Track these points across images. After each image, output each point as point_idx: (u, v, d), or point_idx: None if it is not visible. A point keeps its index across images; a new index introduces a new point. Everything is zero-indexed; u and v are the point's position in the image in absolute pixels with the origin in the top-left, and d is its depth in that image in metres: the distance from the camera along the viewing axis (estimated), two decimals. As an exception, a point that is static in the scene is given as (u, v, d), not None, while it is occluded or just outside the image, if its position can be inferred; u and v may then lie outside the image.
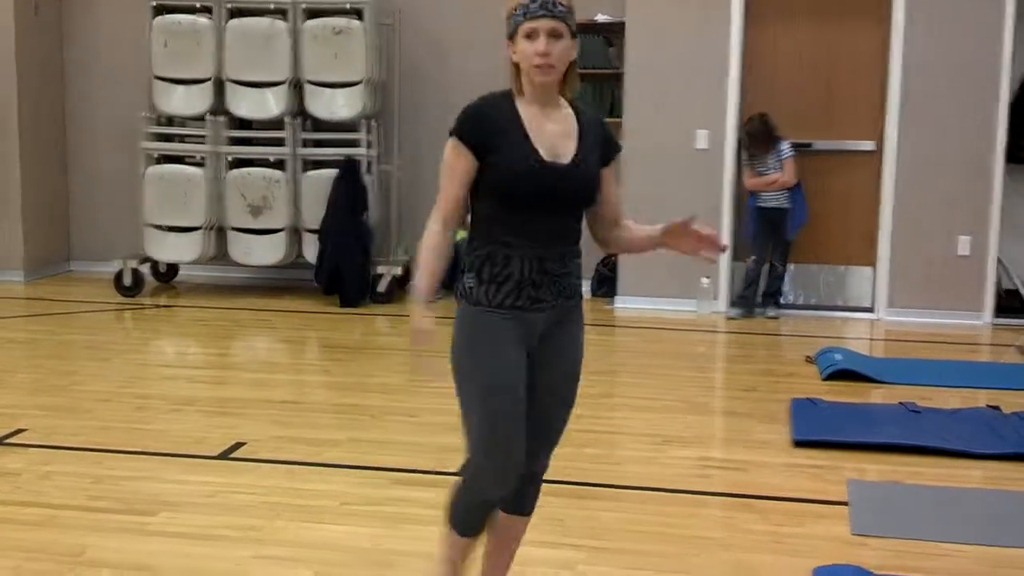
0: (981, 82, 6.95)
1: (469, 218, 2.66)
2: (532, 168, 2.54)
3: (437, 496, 3.86)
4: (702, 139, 7.24)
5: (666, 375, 5.81)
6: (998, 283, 7.21)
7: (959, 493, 4.05)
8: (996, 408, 5.03)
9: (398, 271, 7.69)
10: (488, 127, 2.56)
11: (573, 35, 2.56)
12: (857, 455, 4.39)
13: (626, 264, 7.43)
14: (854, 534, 3.58)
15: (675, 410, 5.11)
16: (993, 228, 7.05)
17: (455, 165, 2.58)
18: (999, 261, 7.19)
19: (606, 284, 7.72)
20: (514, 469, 2.64)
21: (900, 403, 5.08)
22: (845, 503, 3.85)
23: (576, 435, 4.57)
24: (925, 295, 7.14)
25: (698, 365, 6.24)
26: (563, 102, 2.65)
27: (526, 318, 2.60)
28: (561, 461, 4.23)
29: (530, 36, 2.52)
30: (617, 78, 7.56)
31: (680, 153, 7.27)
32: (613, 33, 7.66)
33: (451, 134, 2.58)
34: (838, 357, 5.78)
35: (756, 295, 7.25)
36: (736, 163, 7.33)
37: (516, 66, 2.58)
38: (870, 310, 7.34)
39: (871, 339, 6.93)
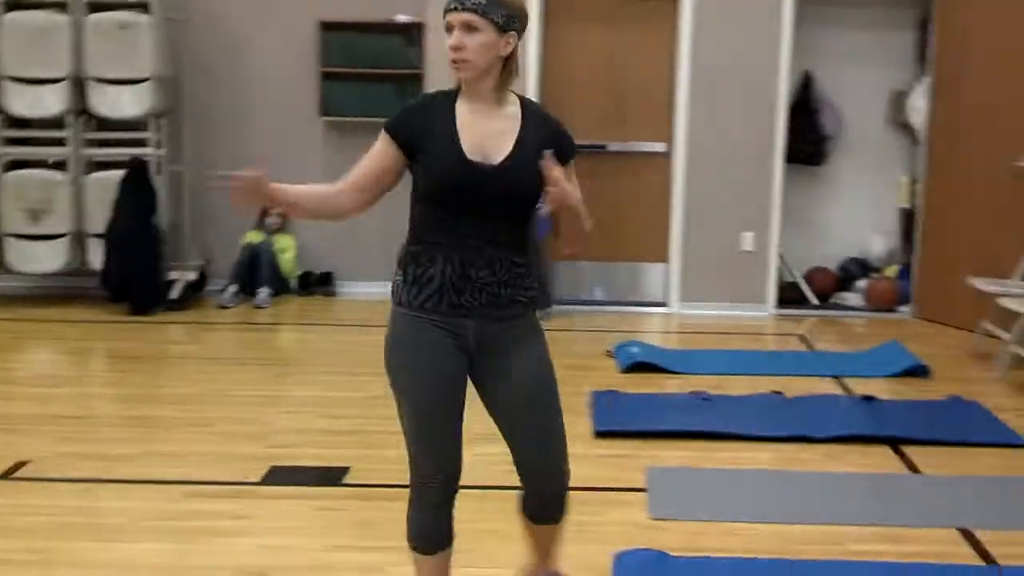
0: (762, 87, 7.29)
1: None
2: (455, 168, 2.47)
3: (236, 507, 3.80)
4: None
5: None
6: (779, 276, 7.60)
7: (748, 475, 4.24)
8: (779, 393, 5.30)
9: (192, 276, 7.45)
10: (416, 123, 2.52)
11: (501, 29, 2.46)
12: (654, 443, 4.53)
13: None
14: (652, 518, 3.70)
15: (480, 408, 5.11)
16: (774, 224, 7.42)
17: (374, 147, 2.55)
18: (780, 256, 7.57)
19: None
20: (444, 474, 2.60)
21: (693, 392, 5.28)
22: (644, 489, 3.97)
23: (377, 437, 4.57)
24: (714, 289, 7.45)
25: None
26: (511, 100, 2.57)
27: (450, 323, 2.53)
28: (364, 464, 4.24)
29: (449, 30, 2.49)
30: (418, 78, 7.55)
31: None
32: (413, 33, 7.65)
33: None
34: (635, 350, 5.96)
35: None
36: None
37: None
38: (664, 304, 7.60)
39: (665, 332, 7.18)
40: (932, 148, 7.24)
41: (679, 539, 3.53)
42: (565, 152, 2.56)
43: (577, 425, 4.78)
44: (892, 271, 7.81)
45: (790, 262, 7.80)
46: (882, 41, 7.85)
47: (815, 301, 7.73)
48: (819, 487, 4.12)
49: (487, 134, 2.51)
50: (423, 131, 2.51)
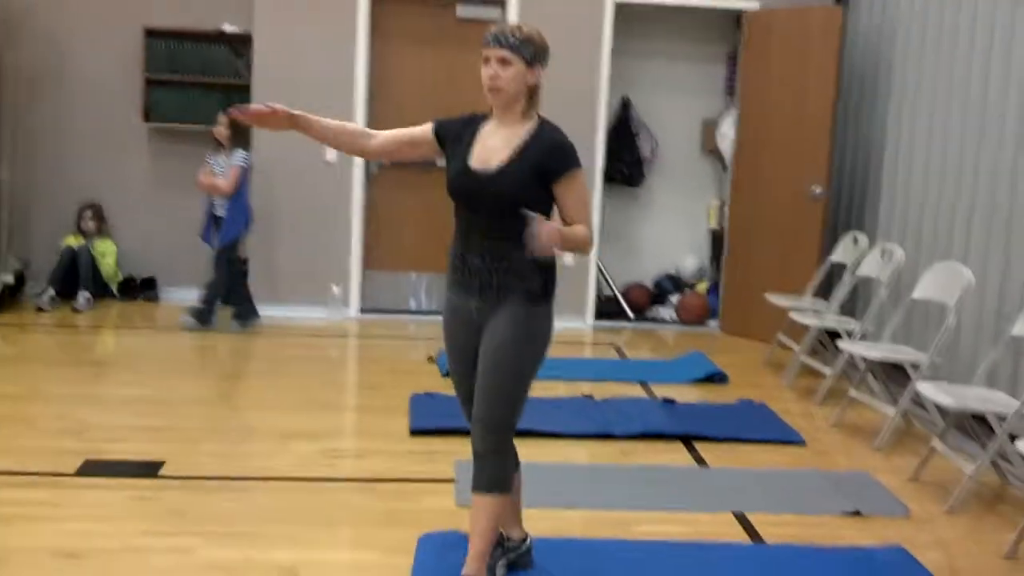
0: (583, 109, 7.63)
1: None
2: (458, 171, 3.02)
3: (53, 496, 3.88)
4: (331, 152, 7.40)
5: (293, 376, 5.93)
6: (599, 290, 7.96)
7: (555, 467, 4.50)
8: (590, 397, 5.62)
9: (8, 279, 7.30)
10: (451, 129, 3.11)
11: (529, 63, 2.97)
12: (465, 440, 4.71)
13: (256, 270, 7.46)
14: (459, 506, 3.92)
15: (301, 408, 5.24)
16: (595, 241, 7.75)
17: (419, 124, 3.15)
18: (600, 270, 7.94)
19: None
20: (473, 421, 3.08)
21: (508, 395, 5.52)
22: (453, 480, 4.18)
23: (192, 432, 4.66)
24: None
25: (326, 368, 6.39)
26: (532, 121, 3.04)
27: (463, 301, 3.06)
28: (180, 458, 4.33)
29: (486, 62, 2.98)
30: (245, 88, 7.60)
31: (311, 166, 7.42)
32: (240, 44, 7.70)
33: None
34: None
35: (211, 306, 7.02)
36: (365, 174, 7.58)
37: None
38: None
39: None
40: (737, 174, 7.74)
41: (483, 523, 3.73)
42: (553, 165, 2.98)
43: (396, 424, 4.99)
44: (703, 287, 8.28)
45: (609, 277, 8.17)
46: (695, 73, 8.34)
47: (631, 314, 8.12)
48: (617, 478, 4.43)
49: (494, 146, 3.01)
50: (455, 136, 3.08)
